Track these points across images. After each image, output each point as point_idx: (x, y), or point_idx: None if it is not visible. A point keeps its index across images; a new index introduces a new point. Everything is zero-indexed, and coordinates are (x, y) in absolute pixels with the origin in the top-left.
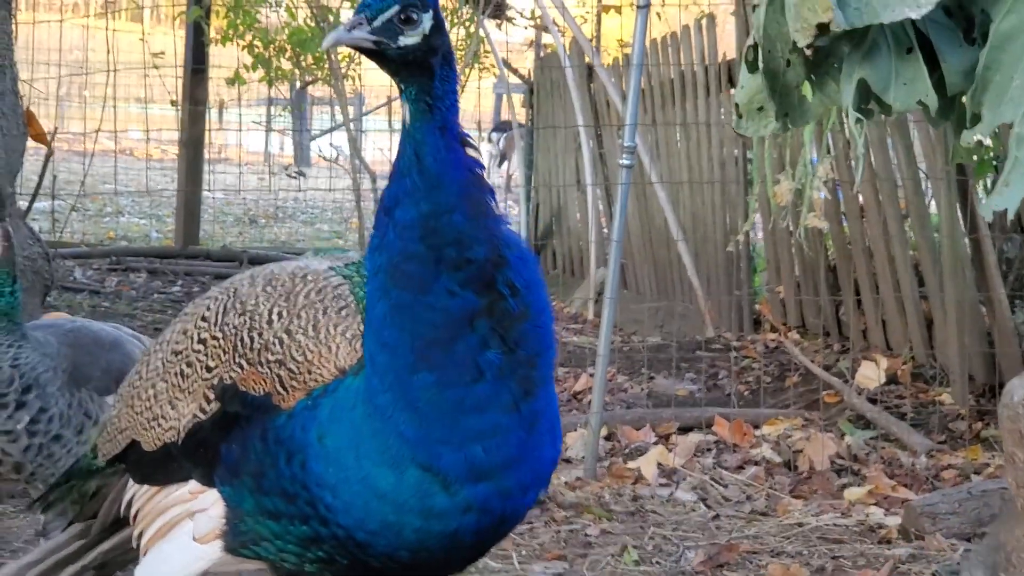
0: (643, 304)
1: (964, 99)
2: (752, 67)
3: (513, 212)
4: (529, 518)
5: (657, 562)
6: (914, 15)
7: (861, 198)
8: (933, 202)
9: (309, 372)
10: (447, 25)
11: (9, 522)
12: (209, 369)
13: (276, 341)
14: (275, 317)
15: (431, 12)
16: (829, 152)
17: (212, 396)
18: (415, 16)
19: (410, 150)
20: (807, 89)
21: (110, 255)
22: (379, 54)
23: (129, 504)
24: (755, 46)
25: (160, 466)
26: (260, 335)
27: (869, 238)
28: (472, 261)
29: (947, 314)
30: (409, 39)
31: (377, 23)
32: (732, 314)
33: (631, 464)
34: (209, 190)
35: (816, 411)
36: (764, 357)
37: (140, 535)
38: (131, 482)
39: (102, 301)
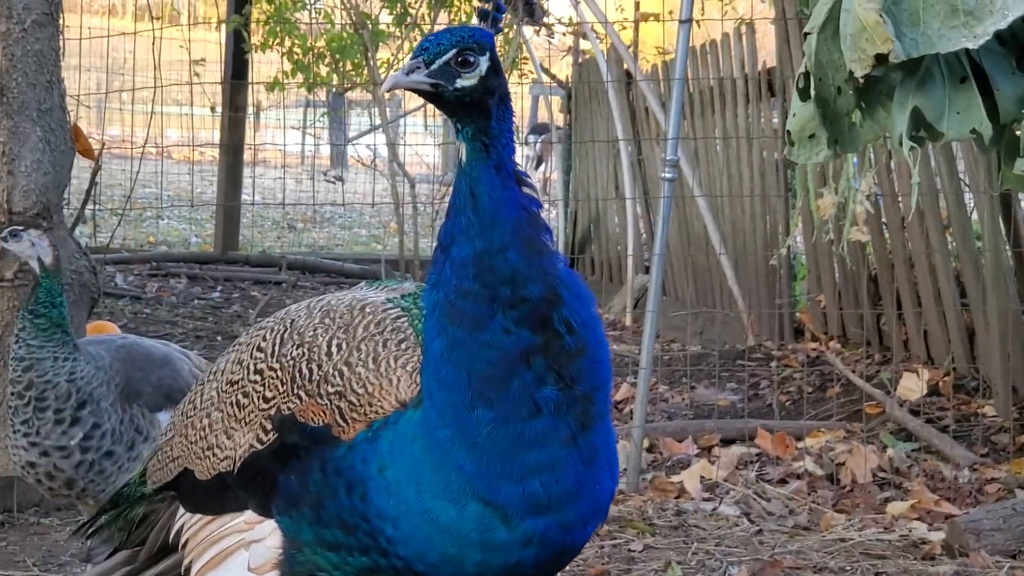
0: (683, 311)
1: (1015, 126)
2: (804, 95)
3: (550, 217)
4: None
5: None
6: (971, 45)
7: (902, 209)
8: (975, 212)
9: (370, 404)
10: None
11: (56, 535)
12: (266, 399)
13: (336, 373)
14: (334, 349)
15: (487, 55)
16: (871, 166)
17: (270, 427)
18: (472, 59)
19: (466, 188)
20: (856, 116)
21: (150, 260)
22: (437, 96)
23: (179, 532)
24: (807, 74)
25: (214, 495)
26: (319, 367)
27: (910, 248)
28: (527, 300)
29: (989, 325)
30: (466, 81)
31: (435, 66)
32: (773, 323)
33: (674, 478)
34: (252, 203)
35: (858, 422)
36: (805, 367)
37: (190, 564)
38: (181, 510)
39: (143, 307)
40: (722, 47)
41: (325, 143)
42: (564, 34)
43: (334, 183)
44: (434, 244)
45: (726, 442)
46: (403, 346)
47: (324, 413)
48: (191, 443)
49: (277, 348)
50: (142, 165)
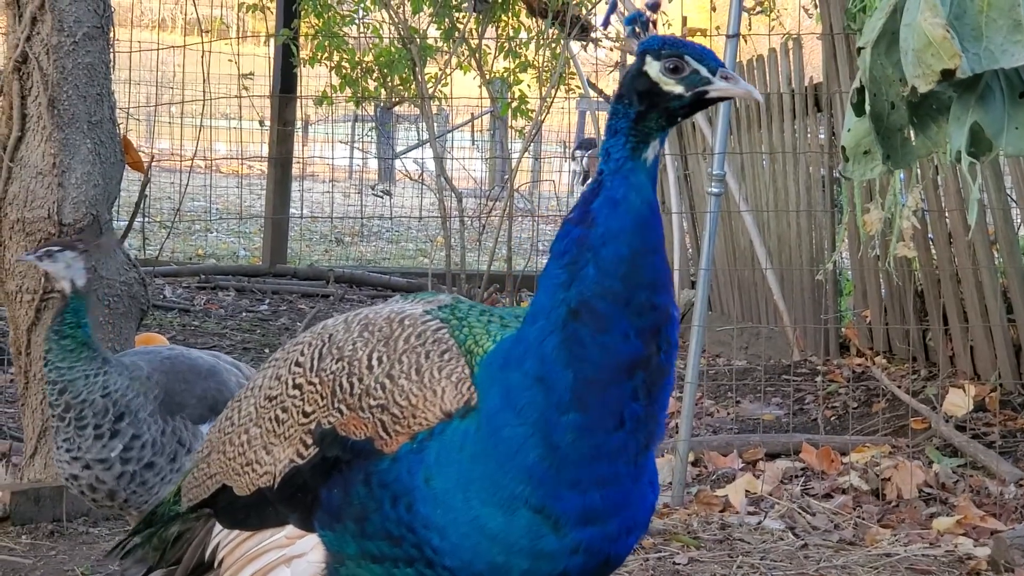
0: (728, 326)
1: None
2: (859, 110)
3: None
4: None
5: None
6: None
7: (949, 224)
8: (1022, 228)
9: (413, 416)
10: (533, 46)
11: (105, 545)
12: (306, 414)
13: (378, 386)
14: (375, 362)
15: None
16: (918, 181)
17: (310, 441)
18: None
19: (646, 187)
20: (909, 131)
21: (199, 273)
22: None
23: (215, 550)
24: (861, 88)
25: (253, 511)
26: (360, 380)
27: (957, 264)
28: (656, 307)
29: None
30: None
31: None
32: (819, 338)
33: (719, 492)
34: (300, 217)
35: (904, 438)
36: (851, 382)
37: None
38: (217, 527)
39: (192, 320)
40: (769, 62)
41: (373, 156)
42: (611, 49)
43: (382, 197)
44: (546, 249)
45: (771, 456)
46: (446, 357)
47: (366, 426)
48: (229, 460)
49: (316, 363)
50: (191, 179)
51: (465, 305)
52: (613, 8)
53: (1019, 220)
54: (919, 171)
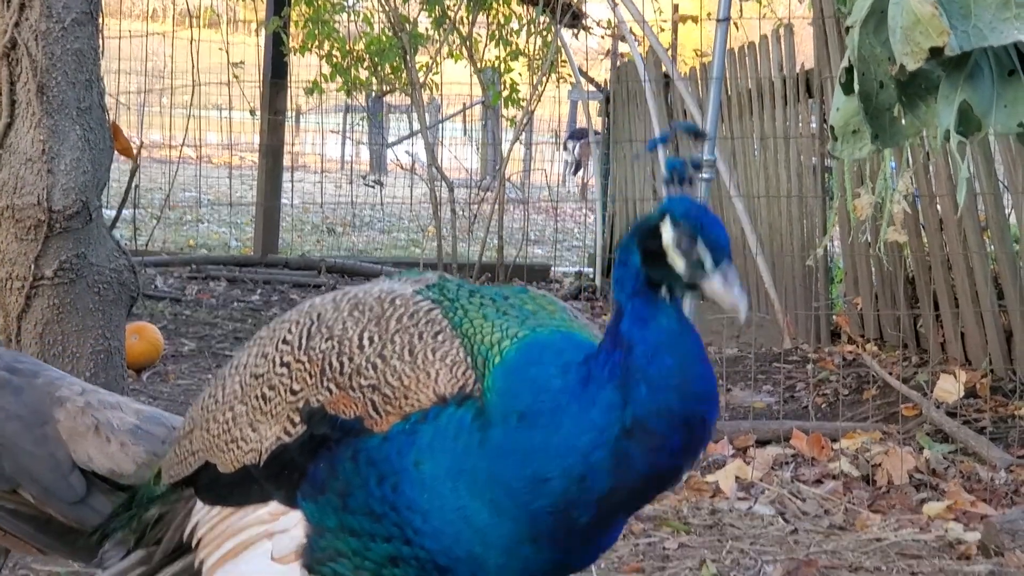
0: (720, 315)
1: None
2: (847, 89)
3: (588, 220)
4: None
5: None
6: None
7: (940, 210)
8: (1013, 214)
9: (406, 397)
10: (524, 34)
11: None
12: (294, 392)
13: (369, 366)
14: (366, 342)
15: None
16: (908, 166)
17: (298, 419)
18: None
19: (670, 309)
20: (898, 110)
21: (190, 263)
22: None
23: (194, 529)
24: (850, 68)
25: (237, 488)
26: (351, 360)
27: (948, 250)
28: (706, 423)
29: None
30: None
31: None
32: (810, 326)
33: (709, 477)
34: (290, 205)
35: (894, 424)
36: (842, 369)
37: (204, 559)
38: (198, 506)
39: (183, 309)
40: (760, 49)
41: (364, 144)
42: (602, 36)
43: (373, 187)
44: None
45: (761, 443)
46: (440, 338)
47: (356, 405)
48: (213, 437)
49: (304, 341)
50: (181, 169)
51: (452, 284)
52: (664, 139)
53: (1010, 206)
54: (909, 156)
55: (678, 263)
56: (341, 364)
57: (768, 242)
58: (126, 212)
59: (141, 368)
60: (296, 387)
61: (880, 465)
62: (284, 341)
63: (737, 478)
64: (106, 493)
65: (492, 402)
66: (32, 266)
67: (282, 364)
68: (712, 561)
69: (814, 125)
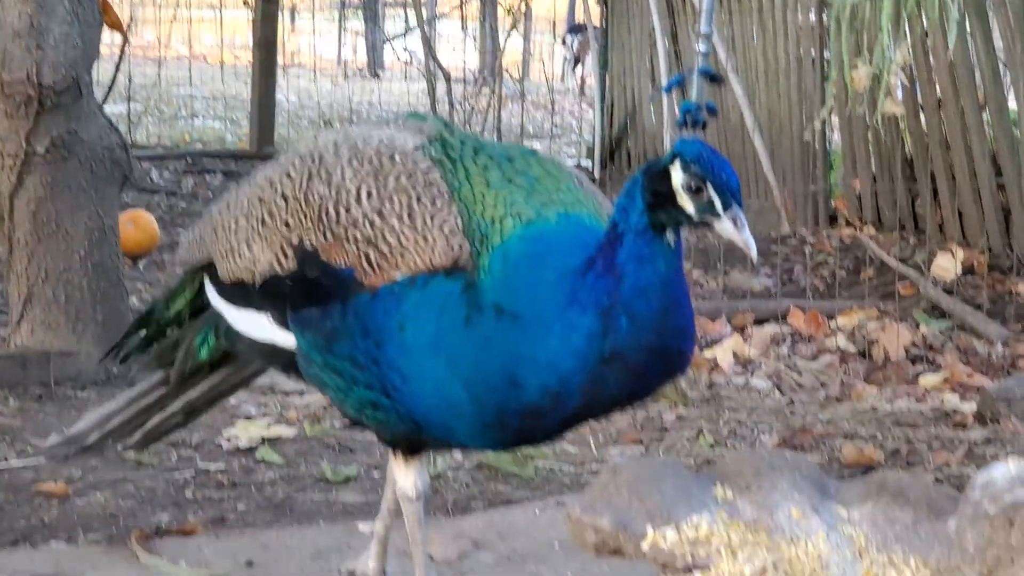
0: None
1: None
2: None
3: (587, 116)
4: None
5: (732, 445)
6: None
7: (938, 89)
8: (1012, 92)
9: (401, 257)
10: None
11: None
12: (288, 226)
13: (366, 222)
14: (364, 195)
15: None
16: (906, 37)
17: (291, 254)
18: None
19: (671, 258)
20: None
21: (186, 157)
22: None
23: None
24: None
25: (236, 294)
26: (348, 211)
27: (946, 129)
28: (683, 355)
29: None
30: None
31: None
32: (808, 210)
33: (707, 353)
34: (286, 101)
35: (891, 302)
36: (839, 252)
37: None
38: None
39: (179, 202)
40: None
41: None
42: None
43: (369, 78)
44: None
45: (759, 322)
46: (438, 203)
47: (348, 256)
48: (218, 239)
49: (304, 182)
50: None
51: (456, 140)
52: (679, 81)
53: (1008, 83)
54: (907, 27)
55: (688, 205)
56: (337, 213)
57: (767, 126)
58: (121, 108)
59: (137, 256)
60: (291, 222)
61: (877, 341)
62: (288, 175)
63: (735, 354)
64: None
65: (485, 284)
66: (23, 143)
67: (282, 196)
68: (709, 432)
69: (813, 16)
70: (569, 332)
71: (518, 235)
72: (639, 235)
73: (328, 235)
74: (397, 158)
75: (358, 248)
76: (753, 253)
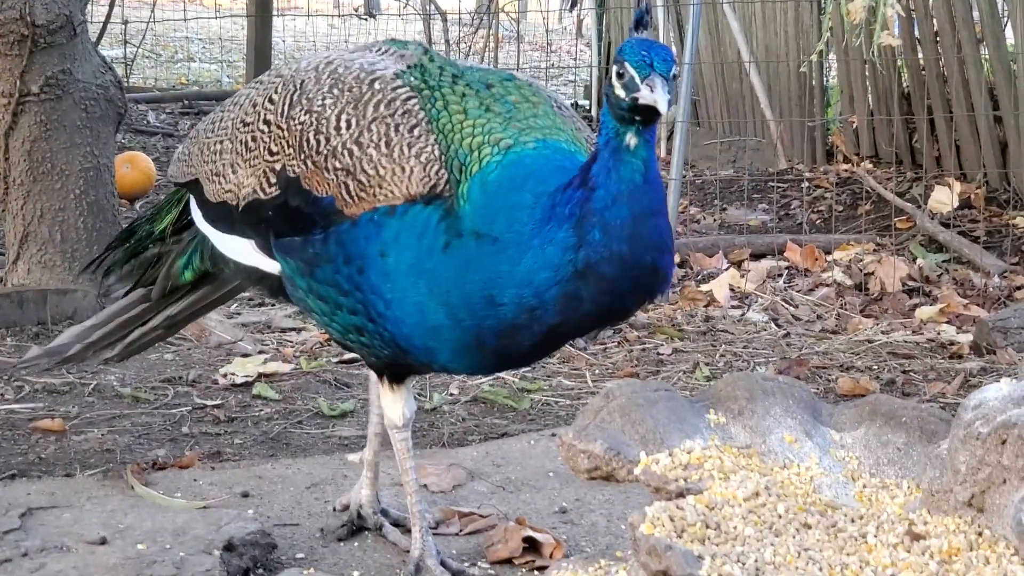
0: (715, 140)
1: None
2: None
3: (585, 55)
4: (602, 340)
5: None
6: None
7: (935, 22)
8: (1009, 24)
9: (380, 187)
10: None
11: None
12: (272, 152)
13: (345, 151)
14: (343, 124)
15: None
16: None
17: (274, 180)
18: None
19: (637, 163)
20: None
21: (182, 99)
22: (657, 112)
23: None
24: None
25: (221, 218)
26: (327, 140)
27: (943, 62)
28: (658, 270)
29: (1021, 136)
30: (670, 95)
31: (670, 84)
32: (805, 145)
33: (703, 287)
34: (282, 41)
35: (888, 236)
36: (836, 187)
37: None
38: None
39: (175, 143)
40: None
41: None
42: None
43: (365, 20)
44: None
45: (756, 257)
46: (415, 132)
47: (329, 185)
48: (204, 162)
49: (286, 108)
50: (173, 8)
51: (435, 67)
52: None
53: (1005, 15)
54: None
55: (619, 91)
56: (318, 142)
57: (764, 63)
58: (118, 51)
59: (135, 197)
60: (274, 148)
61: (873, 274)
62: (270, 100)
63: (731, 287)
64: None
65: (464, 212)
66: (17, 82)
67: (264, 121)
68: (705, 364)
69: None
70: (545, 245)
71: (496, 162)
72: (606, 146)
73: (309, 163)
74: (377, 86)
75: (337, 178)
76: (661, 107)
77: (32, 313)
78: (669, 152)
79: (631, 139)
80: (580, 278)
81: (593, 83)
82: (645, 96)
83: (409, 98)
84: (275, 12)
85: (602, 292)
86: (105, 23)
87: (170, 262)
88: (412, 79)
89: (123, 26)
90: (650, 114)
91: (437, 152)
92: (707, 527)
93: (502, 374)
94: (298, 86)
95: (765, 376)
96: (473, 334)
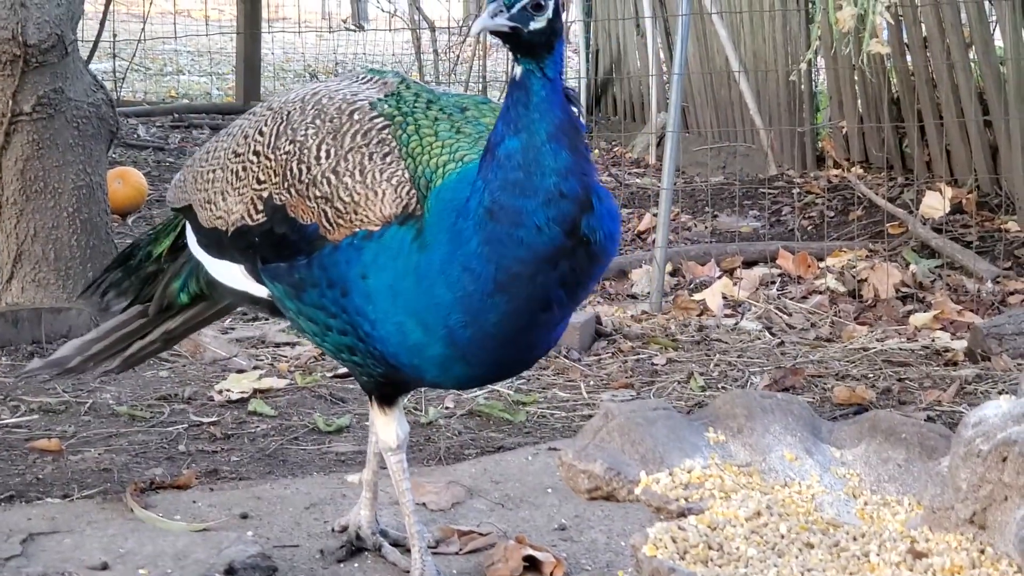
0: (705, 146)
1: None
2: None
3: (572, 63)
4: (596, 351)
5: (723, 387)
6: None
7: (924, 28)
8: (997, 29)
9: (355, 212)
10: None
11: None
12: (260, 181)
13: (324, 180)
14: (323, 154)
15: None
16: None
17: (261, 207)
18: (544, 3)
19: (520, 93)
20: None
21: (172, 112)
22: (514, 37)
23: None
24: None
25: (213, 243)
26: (308, 170)
27: (932, 68)
28: (565, 195)
29: (1012, 141)
30: (538, 23)
31: (514, 10)
32: (795, 151)
33: (696, 296)
34: (271, 53)
35: (880, 242)
36: (827, 193)
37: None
38: (191, 232)
39: (166, 157)
40: None
41: None
42: None
43: (354, 31)
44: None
45: (748, 264)
46: (388, 160)
47: (312, 213)
48: (197, 189)
49: (273, 139)
50: (160, 23)
51: (411, 94)
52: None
53: (994, 20)
54: None
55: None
56: (300, 172)
57: (753, 70)
58: (107, 65)
59: (126, 212)
60: (262, 177)
61: (866, 280)
62: (260, 132)
63: (724, 296)
64: None
65: (428, 223)
66: (10, 102)
67: (254, 152)
68: (700, 374)
69: None
70: (464, 217)
71: (454, 175)
72: (517, 84)
73: (293, 192)
74: (356, 116)
75: (318, 205)
76: (473, 29)
77: (27, 332)
78: (660, 159)
79: (516, 71)
80: (491, 218)
81: (581, 92)
82: (474, 27)
83: (383, 127)
84: (265, 29)
85: (515, 224)
86: (96, 41)
87: (166, 282)
88: (387, 107)
89: (112, 40)
90: (508, 40)
91: (407, 175)
92: (709, 548)
93: (497, 387)
94: (284, 118)
95: (763, 393)
96: (451, 346)
